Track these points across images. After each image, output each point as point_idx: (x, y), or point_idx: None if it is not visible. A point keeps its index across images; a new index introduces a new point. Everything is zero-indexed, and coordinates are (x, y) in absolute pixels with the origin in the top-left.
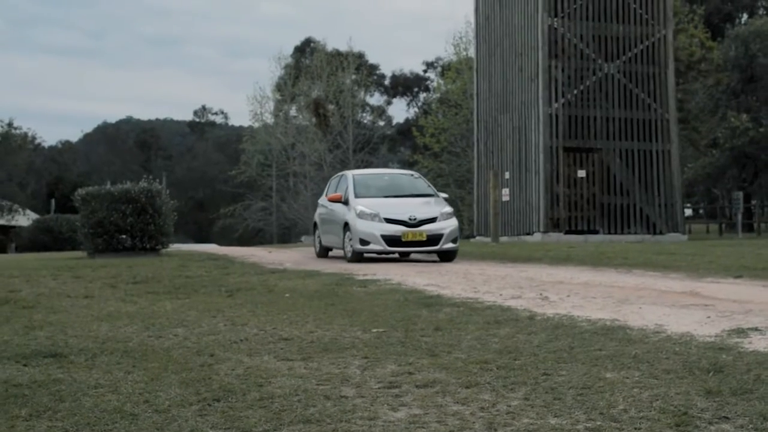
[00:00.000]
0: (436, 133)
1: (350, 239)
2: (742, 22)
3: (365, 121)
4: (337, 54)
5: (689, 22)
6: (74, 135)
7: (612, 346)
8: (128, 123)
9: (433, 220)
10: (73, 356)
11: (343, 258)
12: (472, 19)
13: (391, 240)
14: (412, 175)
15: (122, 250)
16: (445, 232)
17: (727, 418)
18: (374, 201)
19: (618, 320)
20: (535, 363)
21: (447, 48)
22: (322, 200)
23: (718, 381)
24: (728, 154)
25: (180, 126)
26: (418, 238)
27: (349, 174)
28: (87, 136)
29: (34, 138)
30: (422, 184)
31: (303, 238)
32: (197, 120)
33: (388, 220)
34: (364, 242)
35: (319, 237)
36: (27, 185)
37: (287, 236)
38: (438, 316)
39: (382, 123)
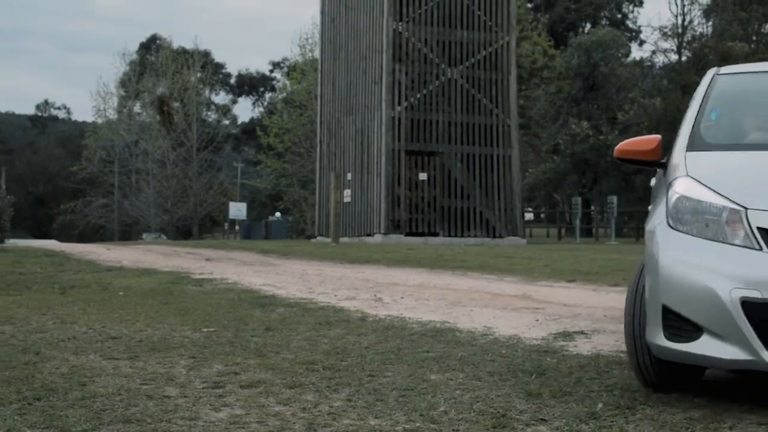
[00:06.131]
0: (280, 133)
1: None
2: (585, 31)
3: (210, 120)
4: (183, 52)
5: (533, 30)
6: None
7: (440, 348)
8: None
9: None
10: None
11: None
12: (318, 21)
13: None
14: None
15: None
16: None
17: (545, 420)
18: None
19: (448, 322)
20: (362, 364)
21: (293, 48)
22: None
23: (540, 383)
24: (569, 160)
25: (21, 120)
26: None
27: None
28: None
29: None
30: None
31: (144, 236)
32: (39, 114)
33: None
34: None
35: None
36: None
37: (128, 233)
38: (270, 317)
39: (227, 122)
